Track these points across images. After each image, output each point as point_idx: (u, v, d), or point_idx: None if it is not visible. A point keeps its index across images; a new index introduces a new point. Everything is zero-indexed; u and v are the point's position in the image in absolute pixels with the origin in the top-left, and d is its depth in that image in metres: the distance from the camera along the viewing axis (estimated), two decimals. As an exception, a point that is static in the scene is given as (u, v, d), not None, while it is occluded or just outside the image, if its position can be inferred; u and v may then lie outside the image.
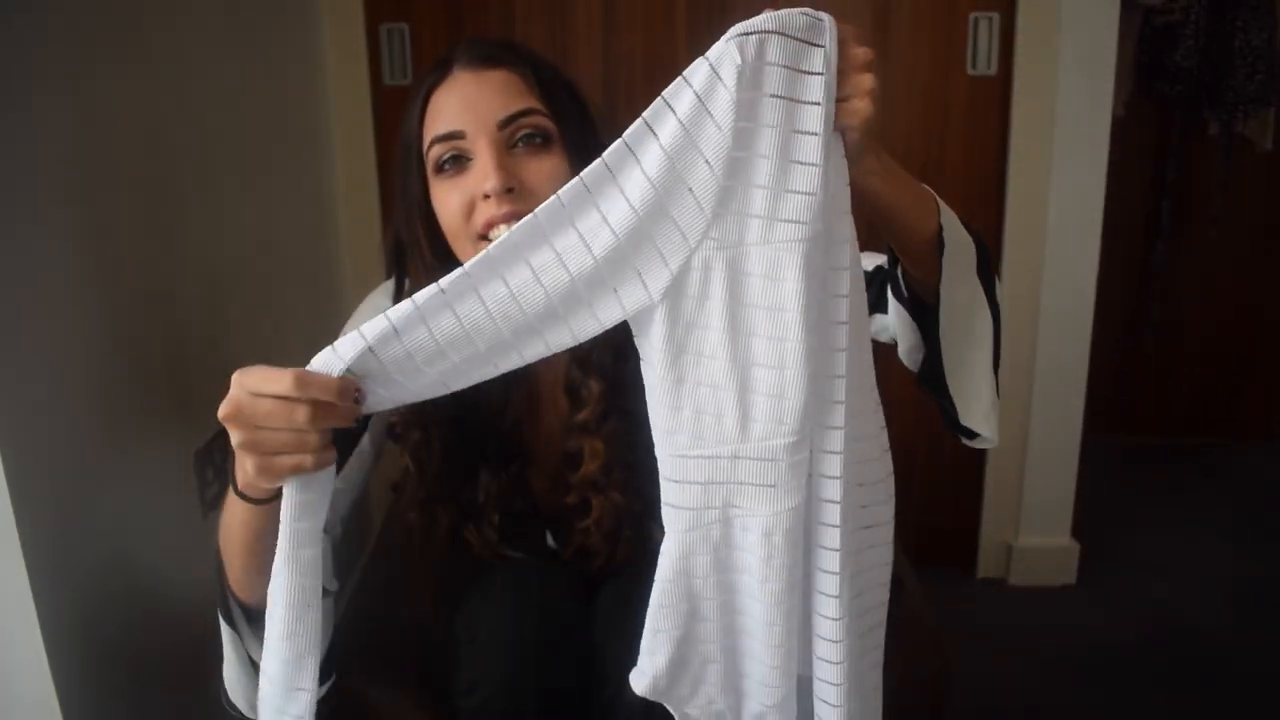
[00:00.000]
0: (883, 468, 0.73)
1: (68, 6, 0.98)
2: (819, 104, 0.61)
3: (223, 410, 0.65)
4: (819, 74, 0.61)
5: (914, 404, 1.94)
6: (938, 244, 0.77)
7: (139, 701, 1.07)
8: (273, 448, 0.66)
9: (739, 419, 0.66)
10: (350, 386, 0.67)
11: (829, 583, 0.70)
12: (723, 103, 0.60)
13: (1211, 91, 2.39)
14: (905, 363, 0.89)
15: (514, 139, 0.86)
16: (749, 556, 0.69)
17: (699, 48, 0.61)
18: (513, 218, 0.83)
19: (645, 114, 0.62)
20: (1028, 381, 1.95)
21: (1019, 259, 1.89)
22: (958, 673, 1.34)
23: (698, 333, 0.66)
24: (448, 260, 0.89)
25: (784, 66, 0.60)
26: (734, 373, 0.66)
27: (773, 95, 0.60)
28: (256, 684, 0.84)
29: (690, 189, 0.62)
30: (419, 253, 0.91)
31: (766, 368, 0.65)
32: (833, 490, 0.68)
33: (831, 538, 0.69)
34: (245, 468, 0.67)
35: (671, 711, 0.78)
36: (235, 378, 0.66)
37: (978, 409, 0.82)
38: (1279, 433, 2.76)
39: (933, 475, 2.05)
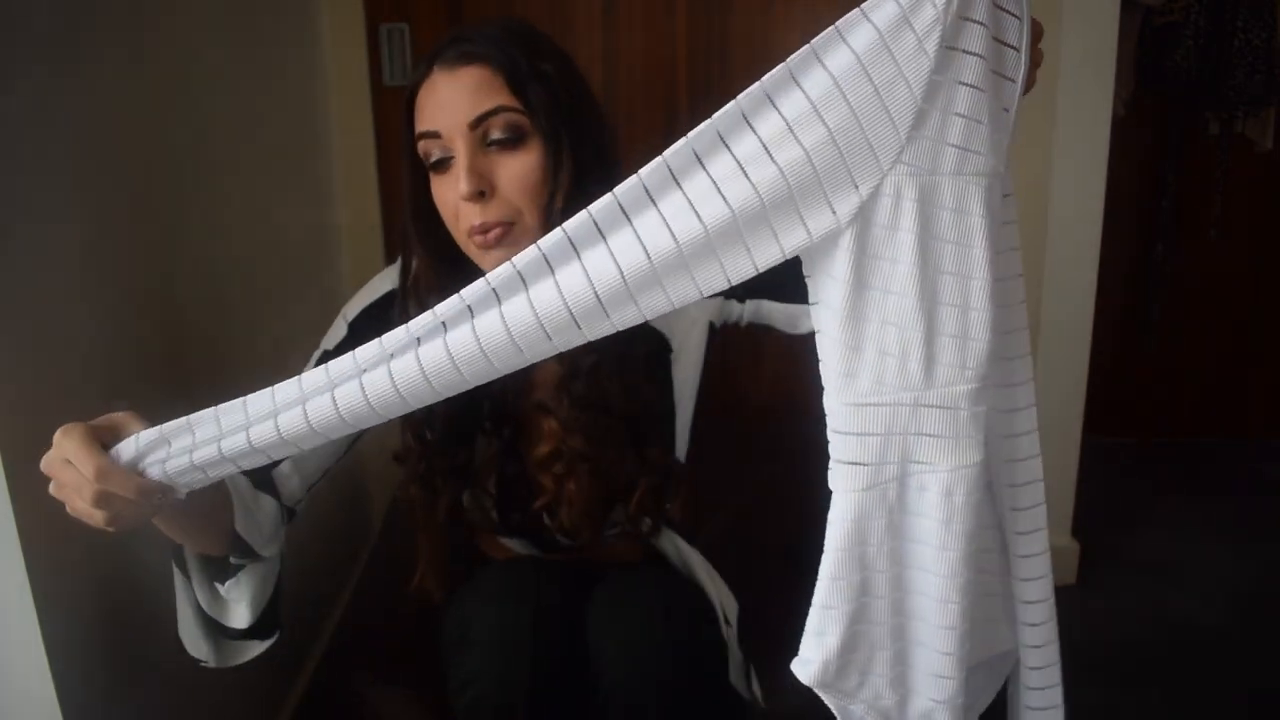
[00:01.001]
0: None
1: (67, 6, 0.98)
2: (1017, 50, 0.59)
3: (44, 458, 0.70)
4: (1016, 17, 0.59)
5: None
6: None
7: (139, 700, 1.07)
8: (66, 499, 0.70)
9: (924, 362, 0.62)
10: (152, 491, 0.68)
11: (1030, 543, 0.74)
12: (928, 19, 0.57)
13: (1211, 91, 2.39)
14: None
15: (486, 139, 0.87)
16: (926, 521, 0.65)
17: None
18: (488, 229, 0.86)
19: (838, 23, 0.59)
20: (1028, 381, 1.95)
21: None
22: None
23: (885, 265, 0.61)
24: (444, 250, 0.92)
25: (977, 24, 0.58)
26: (921, 311, 0.61)
27: (978, 23, 0.58)
28: (206, 634, 0.88)
29: (887, 107, 0.58)
30: (421, 242, 0.94)
31: (951, 306, 0.62)
32: (1029, 446, 0.69)
33: (1032, 494, 0.71)
34: None
35: (834, 707, 0.71)
36: (58, 435, 0.69)
37: None
38: (1278, 433, 2.76)
39: (933, 475, 2.05)
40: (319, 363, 0.97)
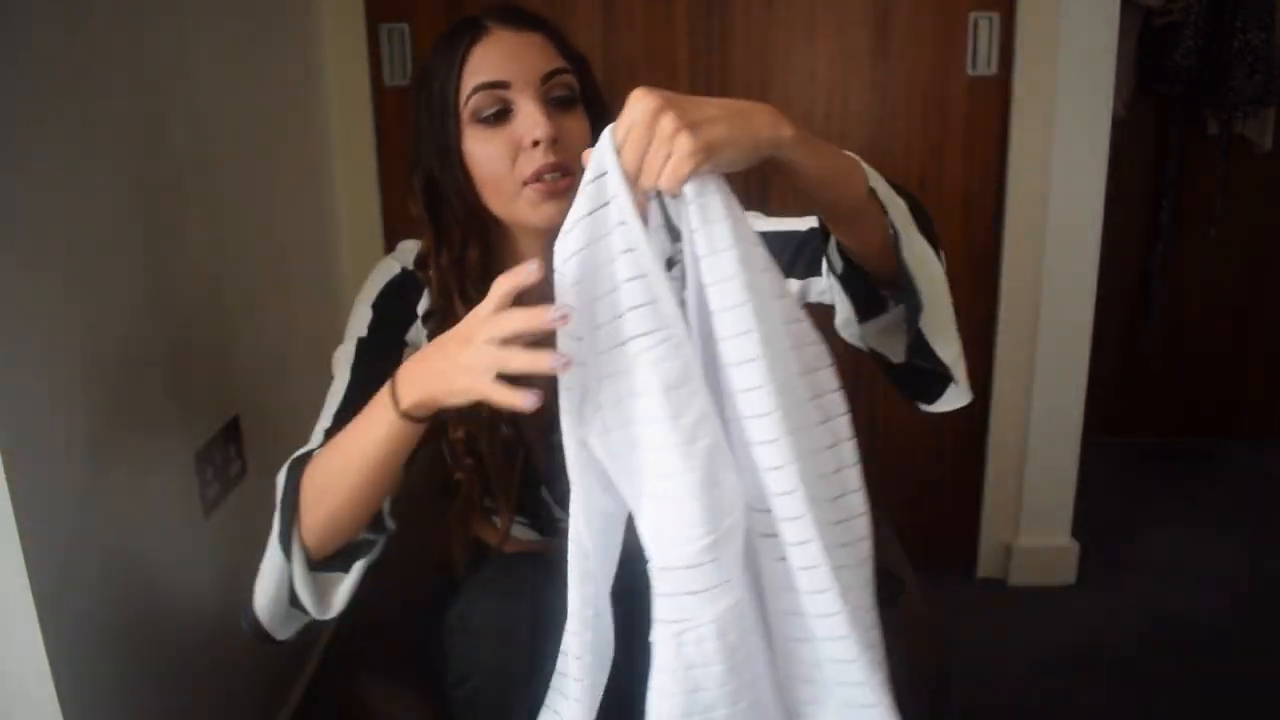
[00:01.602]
0: (834, 462, 0.73)
1: (66, 6, 0.98)
2: (626, 223, 0.65)
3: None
4: (613, 199, 0.65)
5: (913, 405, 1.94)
6: (869, 207, 0.77)
7: (138, 700, 1.07)
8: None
9: (651, 535, 0.70)
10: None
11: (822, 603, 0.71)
12: (571, 270, 0.67)
13: (1211, 92, 2.39)
14: (842, 335, 0.90)
15: (550, 95, 0.91)
16: (714, 668, 0.71)
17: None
18: (558, 168, 0.89)
19: None
20: (1027, 381, 1.95)
21: (1019, 259, 1.89)
22: (958, 673, 1.34)
23: (606, 463, 0.71)
24: (478, 207, 0.94)
25: (589, 215, 0.66)
26: (628, 495, 0.70)
27: (594, 243, 0.66)
28: (287, 611, 0.89)
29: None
30: (462, 200, 0.94)
31: (659, 477, 0.68)
32: (800, 535, 0.69)
33: (817, 583, 0.69)
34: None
35: None
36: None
37: (959, 363, 0.83)
38: (1279, 433, 2.76)
39: (932, 475, 2.05)
40: (360, 351, 0.98)
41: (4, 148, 0.87)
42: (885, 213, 0.77)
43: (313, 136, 1.77)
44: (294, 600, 0.89)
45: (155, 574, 1.12)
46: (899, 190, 0.82)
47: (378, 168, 1.87)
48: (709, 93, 0.65)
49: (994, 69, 1.81)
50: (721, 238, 0.64)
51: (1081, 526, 2.06)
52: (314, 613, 0.90)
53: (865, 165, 0.78)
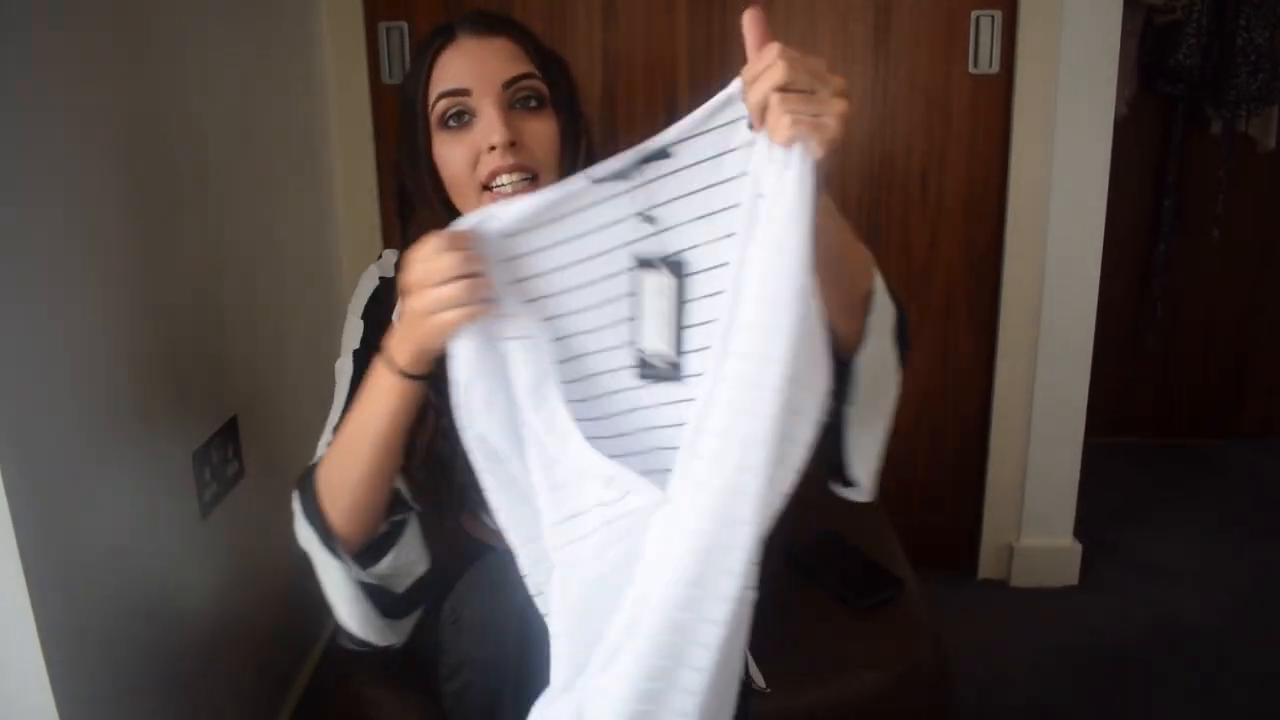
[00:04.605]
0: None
1: (65, 5, 0.97)
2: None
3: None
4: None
5: (914, 405, 1.94)
6: (864, 303, 0.79)
7: (137, 702, 1.07)
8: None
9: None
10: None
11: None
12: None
13: (1214, 90, 2.39)
14: None
15: (514, 100, 0.93)
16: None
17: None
18: (516, 169, 0.91)
19: None
20: (1029, 382, 1.95)
21: (1021, 258, 1.89)
22: (958, 673, 1.34)
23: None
24: (451, 210, 0.95)
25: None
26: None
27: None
28: (367, 605, 0.90)
29: None
30: (427, 203, 0.97)
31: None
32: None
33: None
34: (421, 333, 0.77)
35: None
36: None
37: (866, 465, 0.86)
38: (1279, 433, 2.75)
39: (933, 476, 2.05)
40: (356, 363, 0.99)
41: (2, 147, 0.86)
42: (867, 313, 0.79)
43: (311, 135, 1.77)
44: (372, 595, 0.90)
45: (153, 574, 1.12)
46: (895, 302, 0.83)
47: (377, 167, 1.87)
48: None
49: (996, 67, 1.81)
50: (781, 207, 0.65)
51: (1083, 527, 2.06)
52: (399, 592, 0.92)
53: (875, 266, 0.81)
